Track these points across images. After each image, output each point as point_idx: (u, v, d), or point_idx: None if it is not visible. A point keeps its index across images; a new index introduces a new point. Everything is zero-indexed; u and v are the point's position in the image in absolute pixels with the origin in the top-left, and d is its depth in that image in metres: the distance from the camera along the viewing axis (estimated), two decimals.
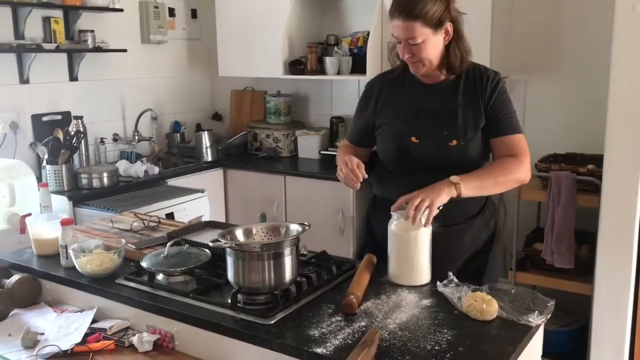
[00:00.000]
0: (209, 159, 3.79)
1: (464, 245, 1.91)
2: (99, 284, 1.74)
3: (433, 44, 1.76)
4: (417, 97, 1.89)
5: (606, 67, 2.40)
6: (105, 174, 3.12)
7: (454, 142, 1.83)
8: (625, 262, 2.44)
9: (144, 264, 1.72)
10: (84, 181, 3.09)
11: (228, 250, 1.53)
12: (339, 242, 3.36)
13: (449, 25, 1.77)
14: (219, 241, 1.54)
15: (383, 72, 2.03)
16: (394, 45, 1.87)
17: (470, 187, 1.71)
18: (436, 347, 1.34)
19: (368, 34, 3.38)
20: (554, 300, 1.54)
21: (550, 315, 1.49)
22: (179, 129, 4.09)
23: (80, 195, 3.01)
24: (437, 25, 1.74)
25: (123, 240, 1.87)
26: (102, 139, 3.60)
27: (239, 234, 1.62)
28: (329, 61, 3.50)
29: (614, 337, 2.51)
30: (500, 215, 2.10)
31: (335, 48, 3.60)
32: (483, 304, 1.47)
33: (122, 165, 3.35)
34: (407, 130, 1.87)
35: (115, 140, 3.70)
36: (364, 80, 3.65)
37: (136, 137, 3.72)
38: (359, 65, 3.46)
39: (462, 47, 1.81)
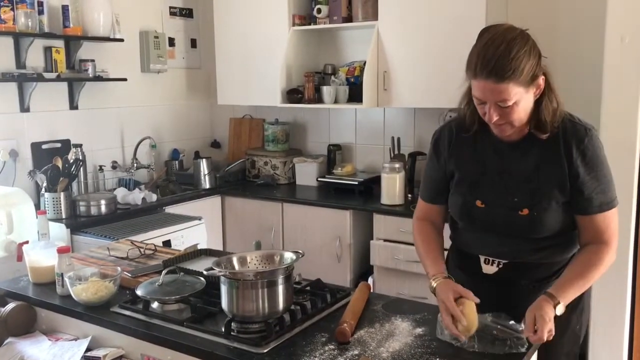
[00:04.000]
0: (207, 186, 3.82)
1: None
2: (94, 312, 1.74)
3: (525, 103, 1.51)
4: (489, 155, 1.65)
5: (598, 94, 2.44)
6: (103, 202, 3.14)
7: (525, 211, 1.58)
8: (620, 291, 2.44)
9: (139, 292, 1.73)
10: (82, 209, 3.10)
11: (222, 279, 1.54)
12: (335, 269, 3.36)
13: (541, 80, 1.52)
14: (214, 269, 1.55)
15: (454, 119, 1.74)
16: (468, 98, 1.61)
17: (569, 300, 1.53)
18: None
19: (364, 63, 3.43)
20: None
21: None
22: (178, 157, 4.12)
23: (78, 222, 3.02)
24: (530, 82, 1.49)
25: (119, 268, 1.88)
26: (100, 166, 3.63)
27: (234, 262, 1.63)
28: (326, 90, 3.55)
29: None
30: None
31: (332, 77, 3.65)
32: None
33: (120, 193, 3.37)
34: (472, 192, 1.66)
35: (113, 167, 3.73)
36: (360, 108, 3.72)
37: (135, 165, 3.75)
38: (355, 94, 3.50)
39: (554, 99, 1.56)
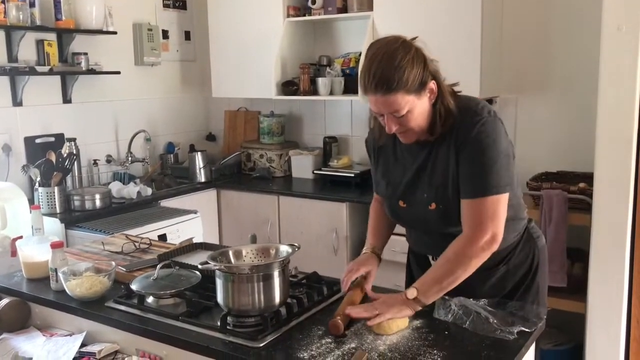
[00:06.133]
0: (203, 179, 3.80)
1: (486, 294, 1.66)
2: (89, 308, 1.73)
3: (420, 109, 1.54)
4: (403, 157, 1.72)
5: (595, 85, 2.42)
6: (97, 196, 3.12)
7: (433, 206, 1.64)
8: (617, 280, 2.44)
9: (133, 286, 1.71)
10: (77, 203, 3.08)
11: (217, 273, 1.53)
12: (332, 262, 3.35)
13: (432, 84, 1.55)
14: (209, 263, 1.53)
15: (371, 129, 1.80)
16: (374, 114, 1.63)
17: (431, 296, 1.55)
18: None
19: (360, 54, 3.41)
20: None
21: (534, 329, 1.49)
22: (173, 150, 4.10)
23: (72, 217, 3.00)
24: (419, 88, 1.52)
25: (113, 263, 1.87)
26: (95, 160, 3.60)
27: (229, 256, 1.62)
28: (321, 82, 3.53)
29: (608, 355, 2.49)
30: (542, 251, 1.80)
31: (328, 69, 3.63)
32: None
33: (115, 187, 3.35)
34: (395, 194, 1.73)
35: (108, 161, 3.70)
36: (356, 100, 3.70)
37: (129, 159, 3.72)
38: (351, 86, 3.48)
39: (445, 102, 1.58)
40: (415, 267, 1.89)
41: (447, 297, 1.61)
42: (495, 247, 1.56)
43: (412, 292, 1.55)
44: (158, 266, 1.76)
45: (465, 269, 1.55)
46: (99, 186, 3.47)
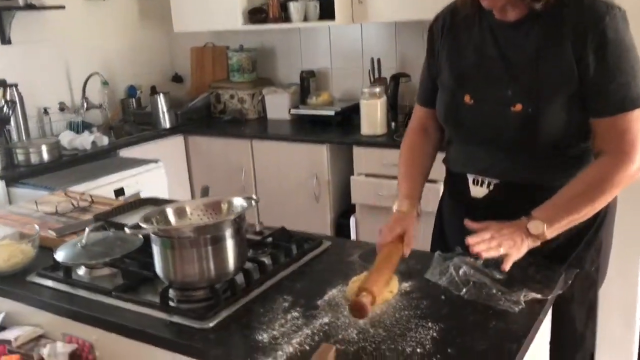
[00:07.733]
0: (167, 125, 3.43)
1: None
2: (6, 284, 1.42)
3: None
4: (486, 39, 1.35)
5: None
6: (44, 148, 2.77)
7: (518, 107, 1.28)
8: (634, 244, 2.17)
9: (58, 256, 1.39)
10: (20, 157, 2.74)
11: (153, 237, 1.21)
12: (314, 209, 3.06)
13: None
14: (141, 227, 1.21)
15: (450, 4, 1.45)
16: None
17: (558, 229, 1.24)
18: (418, 349, 1.04)
19: None
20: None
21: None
22: (135, 94, 3.70)
23: (15, 173, 2.66)
24: None
25: (37, 227, 1.54)
26: (45, 109, 3.22)
27: (168, 215, 1.29)
28: (293, 6, 3.12)
29: (620, 338, 2.28)
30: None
31: None
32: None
33: (66, 137, 2.99)
34: (462, 86, 1.38)
35: (61, 109, 3.32)
36: (335, 27, 3.30)
37: (85, 105, 3.34)
38: (327, 10, 3.08)
39: None
40: (447, 194, 1.55)
41: (447, 255, 1.30)
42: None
43: (536, 226, 1.22)
44: (87, 229, 1.44)
45: (606, 199, 1.26)
46: (49, 137, 3.10)
